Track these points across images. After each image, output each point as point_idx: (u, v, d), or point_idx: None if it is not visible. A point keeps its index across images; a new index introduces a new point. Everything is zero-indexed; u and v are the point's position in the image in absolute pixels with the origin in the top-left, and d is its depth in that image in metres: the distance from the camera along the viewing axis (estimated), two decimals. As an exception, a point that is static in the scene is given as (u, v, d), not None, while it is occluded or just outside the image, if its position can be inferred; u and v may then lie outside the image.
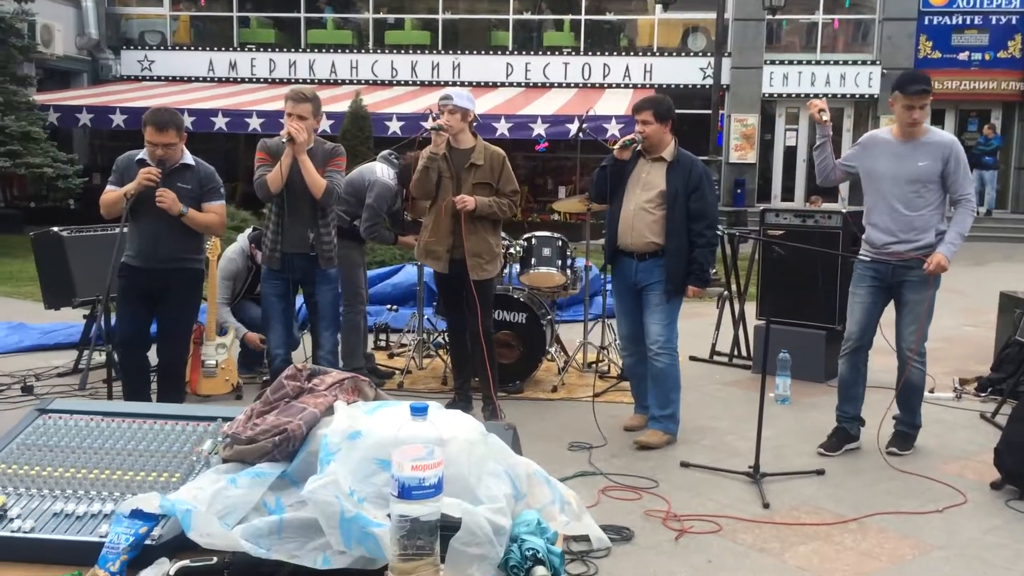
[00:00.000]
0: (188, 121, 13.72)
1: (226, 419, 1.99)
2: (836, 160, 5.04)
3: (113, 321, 4.89)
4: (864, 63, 19.64)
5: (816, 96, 5.37)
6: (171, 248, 4.80)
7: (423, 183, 5.28)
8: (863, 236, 5.01)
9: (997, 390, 6.15)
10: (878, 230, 4.85)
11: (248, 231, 6.50)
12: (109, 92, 18.71)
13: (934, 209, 4.76)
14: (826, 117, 4.90)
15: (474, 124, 5.48)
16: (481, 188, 5.31)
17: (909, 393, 4.96)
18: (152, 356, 5.01)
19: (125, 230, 4.70)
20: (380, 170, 6.15)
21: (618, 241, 5.14)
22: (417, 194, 5.42)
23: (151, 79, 20.60)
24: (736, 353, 7.22)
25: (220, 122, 16.43)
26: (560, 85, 19.92)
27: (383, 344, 7.51)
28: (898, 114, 4.79)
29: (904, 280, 4.81)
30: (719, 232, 5.26)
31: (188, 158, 4.86)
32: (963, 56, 19.42)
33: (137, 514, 1.67)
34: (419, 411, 1.59)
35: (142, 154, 4.80)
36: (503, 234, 5.83)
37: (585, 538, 2.03)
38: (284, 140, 4.90)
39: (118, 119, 16.61)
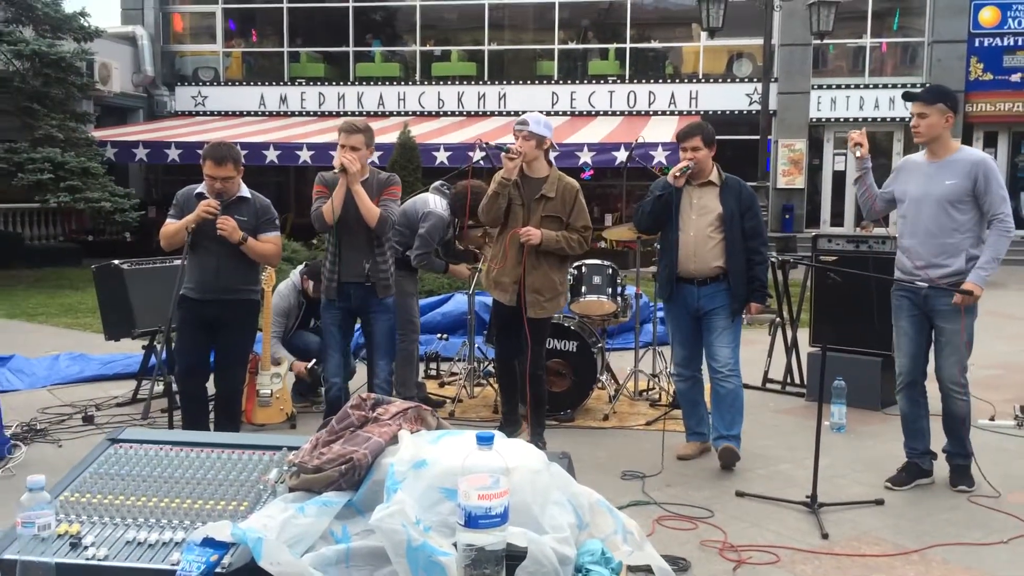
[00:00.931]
0: (241, 154, 14.02)
1: (291, 448, 2.03)
2: (877, 191, 4.96)
3: (172, 351, 4.99)
4: (913, 86, 19.42)
5: (864, 120, 5.33)
6: (229, 279, 4.90)
7: (491, 209, 5.14)
8: (896, 261, 4.92)
9: (1060, 417, 6.00)
10: (908, 255, 4.72)
11: (300, 267, 6.61)
12: (164, 127, 19.18)
13: (966, 232, 4.59)
14: (859, 152, 4.81)
15: (551, 153, 5.33)
16: (550, 221, 5.18)
17: (956, 424, 4.80)
18: (209, 386, 5.10)
19: (185, 262, 4.81)
20: (433, 201, 6.22)
21: (679, 268, 5.11)
22: (485, 220, 5.30)
23: (205, 114, 21.09)
24: (789, 381, 7.14)
25: (271, 155, 16.73)
26: (606, 113, 20.00)
27: (434, 373, 7.55)
28: None
29: (937, 310, 4.67)
30: (772, 260, 5.24)
31: (245, 191, 4.97)
32: (1015, 78, 19.13)
33: (208, 542, 1.71)
34: (485, 440, 1.61)
35: (201, 188, 4.92)
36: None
37: (647, 568, 2.02)
38: (336, 171, 4.98)
39: (173, 153, 17.00)
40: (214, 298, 4.88)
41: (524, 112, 5.60)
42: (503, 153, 5.08)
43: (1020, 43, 19.08)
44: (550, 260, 5.24)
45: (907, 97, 4.75)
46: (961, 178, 4.58)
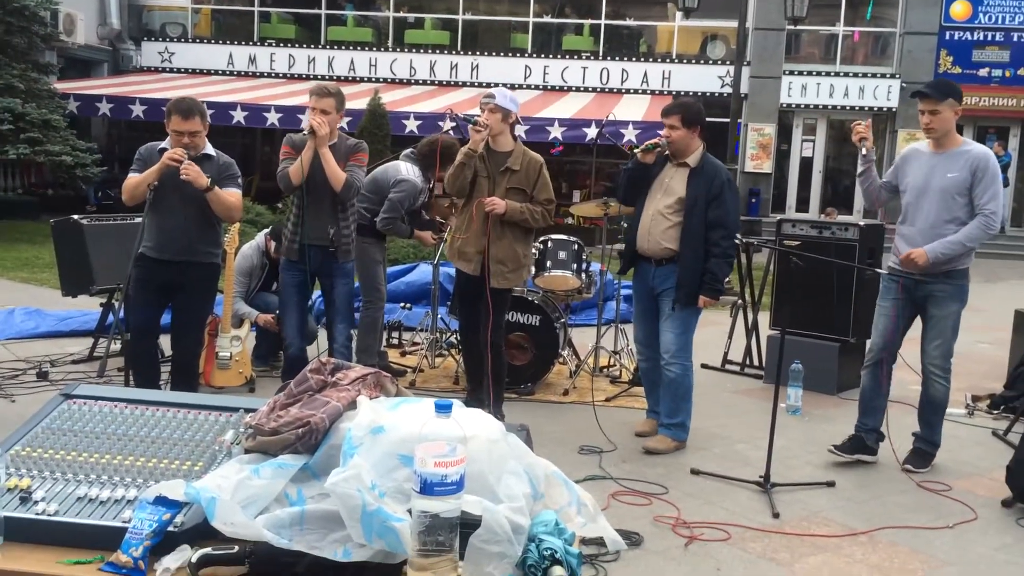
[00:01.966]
0: (207, 114, 13.80)
1: (249, 410, 2.01)
2: (880, 182, 5.00)
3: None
4: (883, 76, 19.58)
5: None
6: (189, 240, 4.81)
7: (456, 180, 5.20)
8: (892, 248, 4.98)
9: (1010, 408, 6.13)
10: (906, 242, 4.79)
11: (266, 229, 6.57)
12: (129, 83, 18.81)
13: (961, 225, 4.65)
14: (865, 148, 4.84)
15: (516, 127, 5.38)
16: (515, 194, 5.24)
17: (930, 410, 4.92)
18: (166, 347, 5.03)
19: (145, 219, 4.73)
20: (405, 169, 6.19)
21: (636, 245, 5.14)
22: (451, 190, 5.35)
23: (171, 71, 20.71)
24: (748, 362, 7.21)
25: (238, 116, 16.50)
26: (578, 89, 19.93)
27: (396, 342, 7.53)
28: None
29: (929, 295, 4.75)
30: (737, 242, 5.22)
31: (209, 148, 4.88)
32: (983, 72, 19.34)
33: (161, 501, 1.69)
34: (443, 408, 1.60)
35: (164, 144, 4.82)
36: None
37: (599, 540, 2.04)
38: (306, 133, 4.95)
39: (137, 109, 16.71)
40: (173, 258, 4.78)
41: (496, 84, 5.62)
42: (471, 125, 5.13)
43: (990, 38, 19.28)
44: (514, 231, 5.28)
45: (918, 95, 4.74)
46: (962, 171, 4.65)
